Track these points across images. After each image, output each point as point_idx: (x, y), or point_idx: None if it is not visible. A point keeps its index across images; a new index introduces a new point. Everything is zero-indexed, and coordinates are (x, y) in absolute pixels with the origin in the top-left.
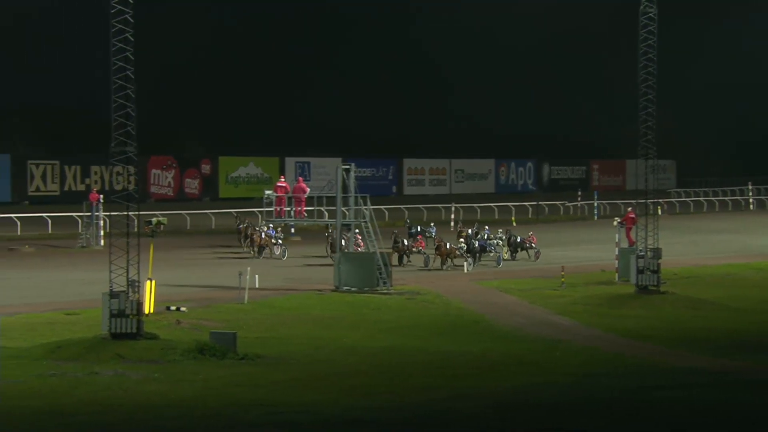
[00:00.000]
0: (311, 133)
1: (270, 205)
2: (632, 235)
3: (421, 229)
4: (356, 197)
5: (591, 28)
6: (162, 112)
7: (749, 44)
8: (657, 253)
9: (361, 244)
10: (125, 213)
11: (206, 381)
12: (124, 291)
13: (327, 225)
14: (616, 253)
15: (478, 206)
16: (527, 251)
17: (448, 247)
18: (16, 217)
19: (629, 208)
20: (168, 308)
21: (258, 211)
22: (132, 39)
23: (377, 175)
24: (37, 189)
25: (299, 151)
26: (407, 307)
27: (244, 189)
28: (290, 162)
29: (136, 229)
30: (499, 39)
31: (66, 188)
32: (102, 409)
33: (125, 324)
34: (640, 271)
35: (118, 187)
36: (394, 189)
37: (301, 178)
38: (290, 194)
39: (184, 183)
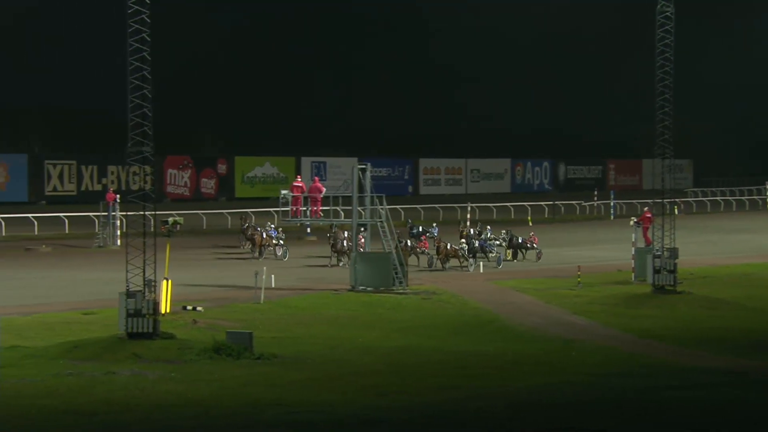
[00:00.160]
0: (327, 132)
1: (286, 204)
2: (649, 234)
3: (422, 229)
4: (372, 197)
5: (608, 27)
6: (178, 112)
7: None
8: (674, 252)
9: (363, 244)
10: (142, 213)
11: (222, 381)
12: (140, 290)
13: (331, 225)
14: (633, 252)
15: (494, 206)
16: (528, 251)
17: (448, 247)
18: (33, 216)
19: (646, 208)
20: (184, 308)
21: (274, 210)
22: (149, 39)
23: (393, 174)
24: (54, 189)
25: (315, 151)
26: (423, 307)
27: (260, 189)
28: (306, 162)
29: (152, 229)
30: (515, 38)
31: (83, 188)
32: (119, 408)
33: (142, 324)
34: (656, 271)
35: (134, 187)
36: (410, 189)
37: (317, 178)
38: (306, 194)
39: (200, 183)
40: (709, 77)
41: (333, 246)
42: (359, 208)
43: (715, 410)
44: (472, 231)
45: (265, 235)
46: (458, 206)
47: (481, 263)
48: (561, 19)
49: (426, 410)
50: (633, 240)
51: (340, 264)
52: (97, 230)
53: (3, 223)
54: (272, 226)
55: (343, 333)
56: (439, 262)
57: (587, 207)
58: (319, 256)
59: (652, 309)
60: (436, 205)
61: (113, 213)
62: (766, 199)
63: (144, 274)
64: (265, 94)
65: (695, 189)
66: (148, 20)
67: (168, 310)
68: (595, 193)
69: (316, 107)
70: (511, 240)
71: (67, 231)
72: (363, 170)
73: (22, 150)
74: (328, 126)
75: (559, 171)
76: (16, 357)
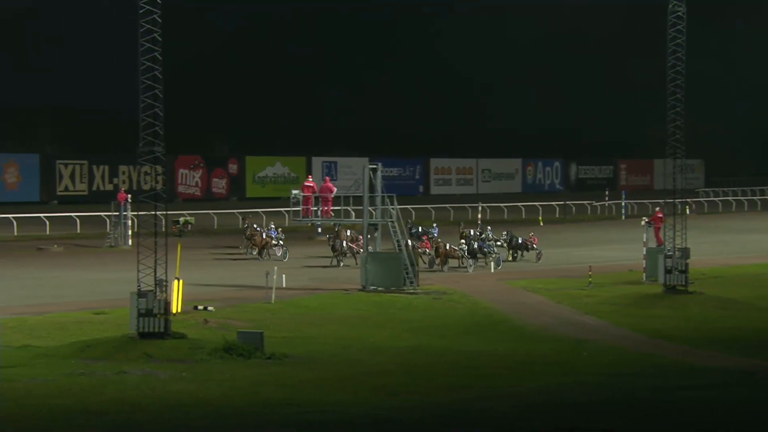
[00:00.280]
0: (338, 132)
1: (297, 204)
2: (661, 234)
3: (422, 230)
4: (383, 197)
5: (619, 26)
6: (189, 112)
7: None
8: (685, 252)
9: (361, 245)
10: (153, 213)
11: (233, 380)
12: (151, 290)
13: (335, 225)
14: (644, 252)
15: (505, 206)
16: (528, 252)
17: (447, 248)
18: (45, 216)
19: (657, 208)
20: (195, 307)
21: (285, 210)
22: (160, 39)
23: (404, 174)
24: (66, 189)
25: (326, 151)
26: (433, 307)
27: (271, 189)
28: (317, 162)
29: (163, 229)
30: (527, 38)
31: (94, 188)
32: (130, 408)
33: (153, 323)
34: (668, 271)
35: (145, 187)
36: (421, 189)
37: (328, 178)
38: (317, 194)
39: (211, 183)
40: (720, 76)
41: (333, 247)
42: (370, 208)
43: (727, 410)
44: (472, 232)
45: (264, 236)
46: (469, 206)
47: (492, 264)
48: (572, 19)
49: (437, 410)
50: (644, 240)
51: (341, 265)
52: (108, 230)
53: (15, 223)
54: (272, 226)
55: (354, 333)
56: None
57: (598, 207)
58: (319, 257)
59: (664, 309)
60: (446, 205)
61: (125, 213)
62: None
63: (155, 274)
64: (277, 94)
65: (707, 189)
66: (160, 20)
67: (179, 310)
68: (607, 193)
69: (327, 107)
70: (510, 240)
71: (78, 231)
72: (374, 170)
73: (33, 150)
74: (339, 126)
75: (570, 171)
76: (28, 356)
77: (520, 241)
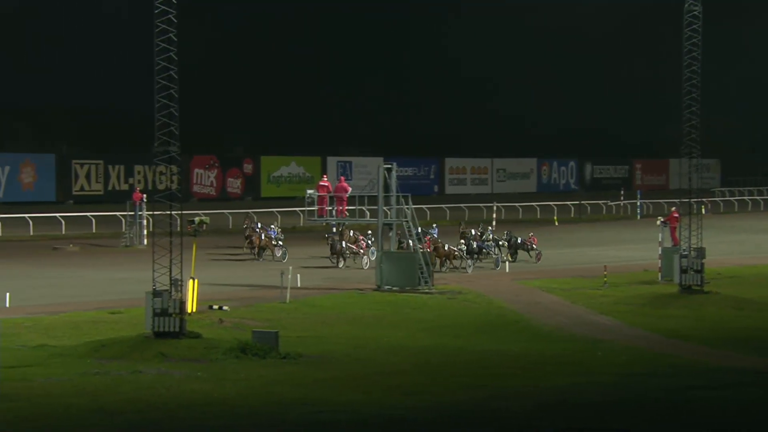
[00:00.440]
0: (353, 132)
1: (312, 204)
2: (677, 234)
3: (422, 230)
4: (398, 197)
5: (635, 26)
6: (205, 112)
7: None
8: (701, 252)
9: (363, 246)
10: (168, 212)
11: (248, 380)
12: (167, 290)
13: (338, 224)
14: (659, 252)
15: (520, 206)
16: (528, 252)
17: (446, 248)
18: (60, 216)
19: (673, 208)
20: (210, 307)
21: (300, 210)
22: (175, 39)
23: (419, 174)
24: (82, 188)
25: (341, 151)
26: (448, 307)
27: (286, 188)
28: (332, 161)
29: (179, 229)
30: (542, 37)
31: (110, 188)
32: (145, 407)
33: (168, 323)
34: (683, 271)
35: (161, 187)
36: (436, 188)
37: (342, 178)
38: (332, 193)
39: (226, 182)
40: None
41: (332, 247)
42: (385, 208)
43: (741, 410)
44: (473, 231)
45: (264, 236)
46: (484, 206)
47: (507, 264)
48: (587, 18)
49: (451, 410)
50: (660, 240)
51: (340, 265)
52: (123, 230)
53: (31, 223)
54: (272, 226)
55: (369, 332)
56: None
57: (613, 207)
58: (320, 257)
59: (679, 309)
60: (461, 205)
61: (140, 212)
62: None
63: (170, 274)
64: (291, 94)
65: (722, 189)
66: (175, 20)
67: (194, 310)
68: (622, 192)
69: (342, 107)
70: (510, 240)
71: (94, 230)
72: (389, 170)
73: (49, 150)
74: (354, 126)
75: (585, 170)
76: (44, 356)
77: (519, 241)
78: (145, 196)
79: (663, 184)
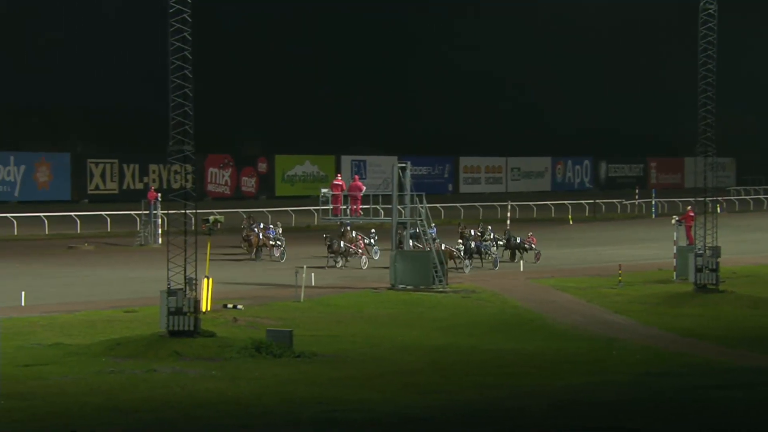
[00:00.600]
0: (367, 131)
1: (326, 203)
2: (692, 233)
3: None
4: (412, 196)
5: (650, 23)
6: (219, 111)
7: None
8: (716, 251)
9: (362, 245)
10: (183, 211)
11: (263, 379)
12: (181, 289)
13: (340, 223)
14: (674, 251)
15: (534, 204)
16: (527, 252)
17: (443, 248)
18: (75, 215)
19: (689, 207)
20: (225, 306)
21: (314, 209)
22: (190, 38)
23: (433, 173)
24: (97, 187)
25: (355, 150)
26: (463, 306)
27: (300, 187)
28: (346, 160)
29: (193, 228)
30: (557, 36)
31: (125, 187)
32: (160, 406)
33: (183, 321)
34: (698, 270)
35: (175, 186)
36: (450, 187)
37: (357, 177)
38: (346, 192)
39: (240, 181)
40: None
41: (329, 247)
42: (399, 207)
43: (757, 410)
44: (473, 231)
45: (261, 236)
46: (498, 205)
47: (521, 262)
48: (603, 17)
49: (465, 409)
50: (674, 238)
51: (338, 265)
52: (138, 229)
53: (46, 222)
54: (271, 226)
55: (383, 331)
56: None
57: (628, 205)
58: (320, 256)
59: (694, 308)
60: (476, 204)
61: (155, 211)
62: None
63: (185, 273)
64: (306, 93)
65: (738, 187)
66: (189, 19)
67: (209, 308)
68: (637, 191)
69: (356, 105)
70: (509, 240)
71: (109, 229)
72: (403, 169)
73: (65, 149)
74: (368, 124)
75: (600, 169)
76: (60, 354)
77: (518, 241)
78: (159, 195)
79: (678, 182)
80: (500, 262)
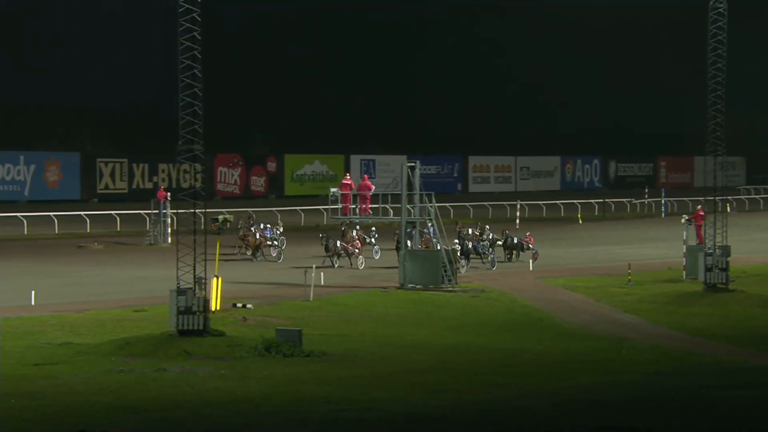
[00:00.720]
0: (376, 130)
1: (335, 202)
2: (702, 232)
3: (417, 229)
4: (421, 195)
5: (660, 22)
6: (229, 110)
7: None
8: (726, 250)
9: (359, 245)
10: (192, 211)
11: (272, 378)
12: (191, 288)
13: (342, 223)
14: (684, 250)
15: (544, 203)
16: (524, 252)
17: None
18: (85, 214)
19: (699, 206)
20: (234, 305)
21: (323, 208)
22: (199, 37)
23: (442, 172)
24: (106, 187)
25: (364, 149)
26: (472, 305)
27: (309, 186)
28: (355, 159)
29: (202, 227)
30: (566, 35)
31: (134, 186)
32: (169, 405)
33: (192, 321)
34: (708, 269)
35: (185, 185)
36: (460, 186)
37: (366, 176)
38: (355, 192)
39: (250, 181)
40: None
41: (326, 247)
42: (408, 206)
43: (764, 409)
44: (470, 231)
45: (258, 236)
46: (507, 204)
47: (530, 261)
48: (612, 15)
49: (474, 408)
50: (684, 238)
51: (335, 265)
52: (148, 228)
53: (56, 221)
54: (268, 226)
55: (392, 331)
56: None
57: (638, 205)
58: (318, 256)
59: (704, 307)
60: (485, 203)
61: (164, 211)
62: None
63: (194, 272)
64: (315, 93)
65: (748, 186)
66: (199, 18)
67: (218, 308)
68: (646, 190)
69: (366, 105)
70: (506, 241)
71: (118, 228)
72: (412, 168)
73: (74, 149)
74: (377, 124)
75: (609, 168)
76: (69, 353)
77: (515, 241)
78: (169, 194)
79: (688, 181)
80: (498, 262)
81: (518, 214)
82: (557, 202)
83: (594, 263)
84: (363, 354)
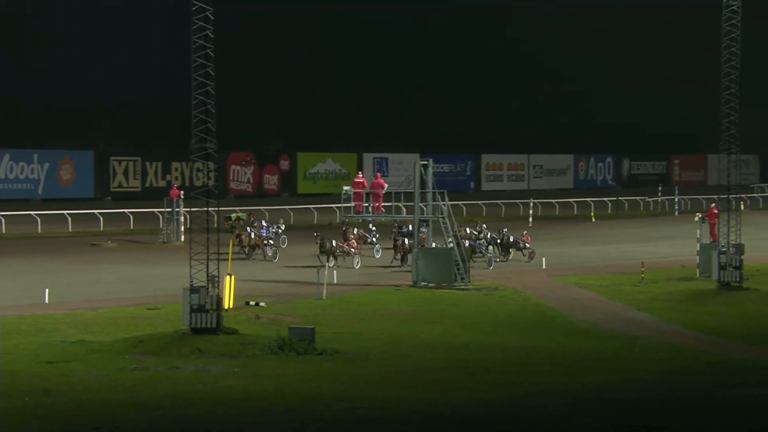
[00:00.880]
0: (389, 128)
1: (348, 201)
2: (716, 230)
3: (412, 228)
4: (434, 193)
5: (673, 20)
6: (241, 109)
7: None
8: (740, 248)
9: (354, 245)
10: (205, 209)
11: (285, 376)
12: (204, 286)
13: (344, 221)
14: (698, 248)
15: (557, 202)
16: (521, 251)
17: (434, 246)
18: (99, 213)
19: (713, 204)
20: (247, 303)
21: (336, 207)
22: (212, 36)
23: (455, 170)
24: (120, 185)
25: (377, 147)
26: (485, 303)
27: (322, 185)
28: (368, 158)
29: (215, 225)
30: (580, 33)
31: (147, 184)
32: (183, 403)
33: (205, 319)
34: (722, 267)
35: (198, 183)
36: (472, 185)
37: (379, 174)
38: (368, 190)
39: (263, 179)
40: None
41: (321, 246)
42: (421, 205)
43: None
44: (468, 230)
45: (254, 235)
46: (520, 202)
47: (543, 259)
48: (624, 13)
49: (488, 406)
50: (698, 236)
51: (330, 264)
52: (161, 226)
53: (69, 219)
54: (264, 224)
55: (405, 329)
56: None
57: (651, 203)
58: (312, 255)
59: (718, 306)
60: (498, 201)
61: (177, 209)
62: None
63: (207, 270)
64: (328, 91)
65: (762, 184)
66: (212, 17)
67: (231, 306)
68: (660, 188)
69: (379, 103)
70: (502, 239)
71: (131, 227)
72: (425, 166)
73: (88, 147)
74: (390, 122)
75: (622, 166)
76: (83, 351)
77: (512, 240)
78: (182, 192)
79: (701, 179)
80: (494, 261)
81: (531, 212)
82: (570, 200)
83: (607, 261)
84: (376, 352)
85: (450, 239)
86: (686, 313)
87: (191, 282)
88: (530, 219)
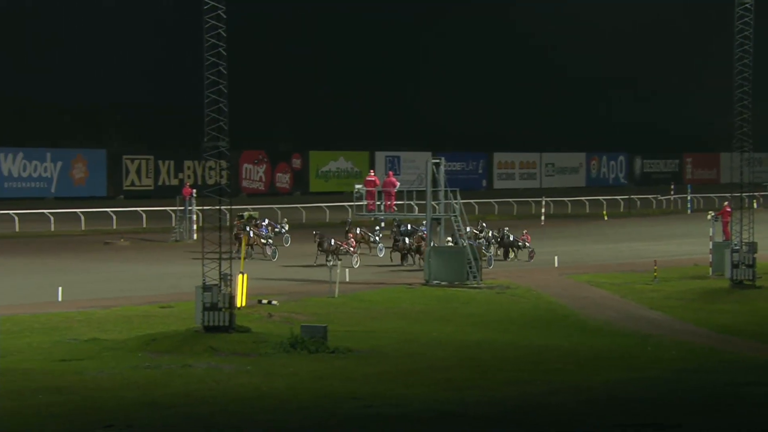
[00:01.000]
0: (401, 127)
1: (360, 199)
2: (729, 228)
3: (411, 227)
4: (446, 191)
5: (686, 18)
6: (254, 107)
7: None
8: (752, 247)
9: (353, 244)
10: (217, 207)
11: (298, 374)
12: (216, 284)
13: (346, 221)
14: (710, 247)
15: (569, 200)
16: (521, 250)
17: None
18: (111, 211)
19: (726, 202)
20: (260, 301)
21: (348, 205)
22: (224, 34)
23: (467, 169)
24: (132, 183)
25: (389, 145)
26: (497, 301)
27: (334, 183)
28: (380, 156)
29: (228, 224)
30: (590, 31)
31: (160, 183)
32: (195, 401)
33: (218, 317)
34: (735, 266)
35: (210, 182)
36: (484, 183)
37: (391, 172)
38: (380, 188)
39: (275, 177)
40: None
41: (320, 245)
42: (433, 203)
43: None
44: (468, 229)
45: (252, 234)
46: (533, 200)
47: (556, 257)
48: (636, 11)
49: (500, 405)
50: (710, 234)
51: (329, 263)
52: (173, 224)
53: (82, 218)
54: (263, 223)
55: (417, 327)
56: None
57: (663, 201)
58: (311, 255)
59: (730, 304)
60: (510, 200)
61: (189, 207)
62: None
63: (220, 268)
64: (340, 89)
65: None
66: (224, 15)
67: (243, 304)
68: (672, 187)
69: (391, 101)
70: (502, 238)
71: (144, 225)
72: (437, 164)
73: (101, 145)
74: (402, 120)
75: (635, 165)
76: (96, 349)
77: (511, 239)
78: (194, 191)
79: (714, 178)
80: (494, 261)
81: (543, 210)
82: (582, 198)
83: (619, 260)
84: (388, 350)
85: (461, 238)
86: (699, 312)
87: (204, 280)
88: (542, 217)
